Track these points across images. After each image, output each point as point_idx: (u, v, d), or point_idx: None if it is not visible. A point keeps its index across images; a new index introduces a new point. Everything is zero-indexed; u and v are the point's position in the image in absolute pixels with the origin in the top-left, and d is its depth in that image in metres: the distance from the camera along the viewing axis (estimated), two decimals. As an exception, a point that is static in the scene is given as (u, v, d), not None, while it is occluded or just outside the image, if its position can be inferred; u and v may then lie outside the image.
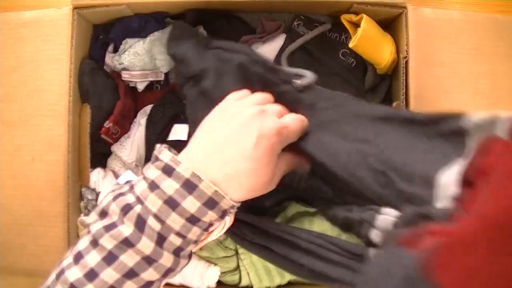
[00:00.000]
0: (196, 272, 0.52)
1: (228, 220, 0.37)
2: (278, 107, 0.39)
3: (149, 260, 0.33)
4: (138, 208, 0.33)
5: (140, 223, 0.33)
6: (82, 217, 0.57)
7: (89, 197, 0.57)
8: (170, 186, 0.33)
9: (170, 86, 0.58)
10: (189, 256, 0.37)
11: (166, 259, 0.34)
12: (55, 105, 0.54)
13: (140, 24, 0.56)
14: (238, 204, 0.36)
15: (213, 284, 0.52)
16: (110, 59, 0.58)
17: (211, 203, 0.33)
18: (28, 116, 0.55)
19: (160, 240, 0.33)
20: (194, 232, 0.34)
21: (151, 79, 0.57)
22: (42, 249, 0.55)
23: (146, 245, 0.33)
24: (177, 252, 0.35)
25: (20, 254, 0.55)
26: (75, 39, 0.54)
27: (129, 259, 0.33)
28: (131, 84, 0.58)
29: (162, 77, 0.57)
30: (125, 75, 0.56)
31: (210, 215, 0.34)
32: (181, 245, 0.34)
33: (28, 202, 0.55)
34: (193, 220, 0.34)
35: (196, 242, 0.36)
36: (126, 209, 0.33)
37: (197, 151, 0.36)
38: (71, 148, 0.54)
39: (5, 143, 0.55)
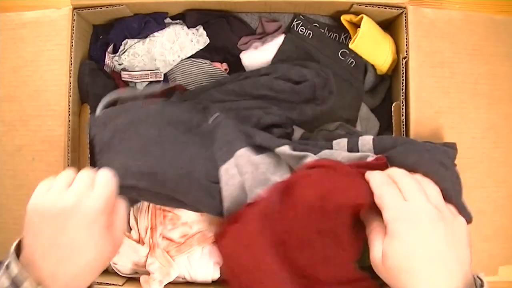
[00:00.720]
0: (204, 267, 0.53)
1: None
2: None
3: None
4: None
5: None
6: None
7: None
8: None
9: (175, 87, 0.58)
10: None
11: None
12: (55, 105, 0.54)
13: (139, 25, 0.56)
14: None
15: (218, 274, 0.53)
16: (110, 60, 0.58)
17: None
18: (28, 116, 0.55)
19: None
20: None
21: (151, 79, 0.57)
22: (42, 249, 0.55)
23: None
24: None
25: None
26: (75, 40, 0.54)
27: None
28: (131, 85, 0.58)
29: (161, 78, 0.57)
30: (124, 76, 0.57)
31: None
32: None
33: (27, 202, 0.55)
34: None
35: None
36: None
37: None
38: (71, 148, 0.54)
39: (5, 143, 0.55)
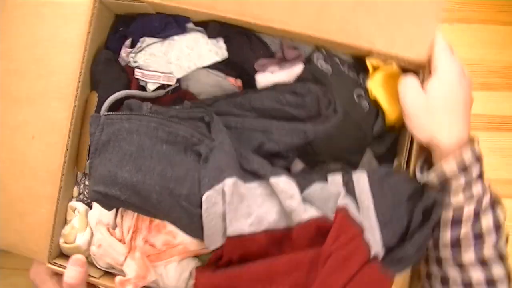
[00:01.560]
0: (179, 278, 0.54)
1: None
2: None
3: None
4: None
5: None
6: (73, 202, 0.57)
7: (87, 183, 0.58)
8: None
9: (181, 92, 0.58)
10: None
11: None
12: (64, 88, 0.54)
13: (161, 25, 0.55)
14: None
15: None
16: (126, 54, 0.57)
17: None
18: (35, 94, 0.55)
19: None
20: None
21: (163, 82, 0.56)
22: (26, 227, 0.55)
23: None
24: None
25: (4, 227, 0.56)
26: (94, 27, 0.54)
27: None
28: (141, 83, 0.57)
29: (173, 82, 0.56)
30: (137, 73, 0.56)
31: None
32: None
33: (21, 179, 0.55)
34: None
35: None
36: None
37: None
38: (72, 133, 0.54)
39: (8, 117, 0.55)
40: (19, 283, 0.67)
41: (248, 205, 0.46)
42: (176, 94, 0.58)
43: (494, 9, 0.77)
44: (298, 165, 0.53)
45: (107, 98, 0.55)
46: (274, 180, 0.46)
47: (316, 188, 0.47)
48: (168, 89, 0.57)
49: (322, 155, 0.53)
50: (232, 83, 0.57)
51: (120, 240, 0.54)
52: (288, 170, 0.53)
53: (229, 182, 0.46)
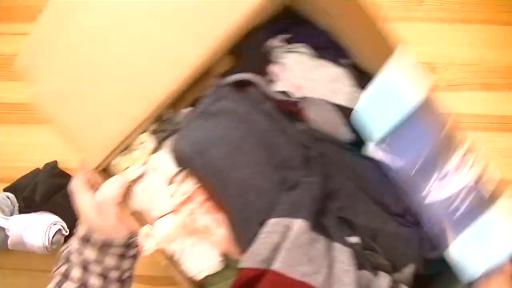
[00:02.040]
0: (201, 260, 0.55)
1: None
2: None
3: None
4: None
5: None
6: (145, 136, 0.57)
7: (167, 127, 0.57)
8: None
9: (297, 108, 0.57)
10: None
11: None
12: (206, 39, 0.51)
13: (325, 44, 0.56)
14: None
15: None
16: (277, 45, 0.57)
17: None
18: (184, 21, 0.51)
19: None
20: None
21: (289, 90, 0.56)
22: (96, 129, 0.56)
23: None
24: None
25: (76, 117, 0.56)
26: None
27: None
28: (269, 78, 0.57)
29: (300, 96, 0.57)
30: (274, 68, 0.56)
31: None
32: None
33: (122, 86, 0.54)
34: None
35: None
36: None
37: None
38: (191, 76, 0.52)
39: (148, 29, 0.52)
40: (19, 283, 0.68)
41: (303, 253, 0.47)
42: (292, 107, 0.58)
43: (494, 9, 0.79)
44: (354, 238, 0.55)
45: (239, 71, 0.55)
46: (339, 247, 0.48)
47: (362, 276, 0.49)
48: (289, 99, 0.57)
49: (377, 244, 0.55)
50: (345, 132, 0.57)
51: (171, 195, 0.54)
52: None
53: (300, 223, 0.47)
